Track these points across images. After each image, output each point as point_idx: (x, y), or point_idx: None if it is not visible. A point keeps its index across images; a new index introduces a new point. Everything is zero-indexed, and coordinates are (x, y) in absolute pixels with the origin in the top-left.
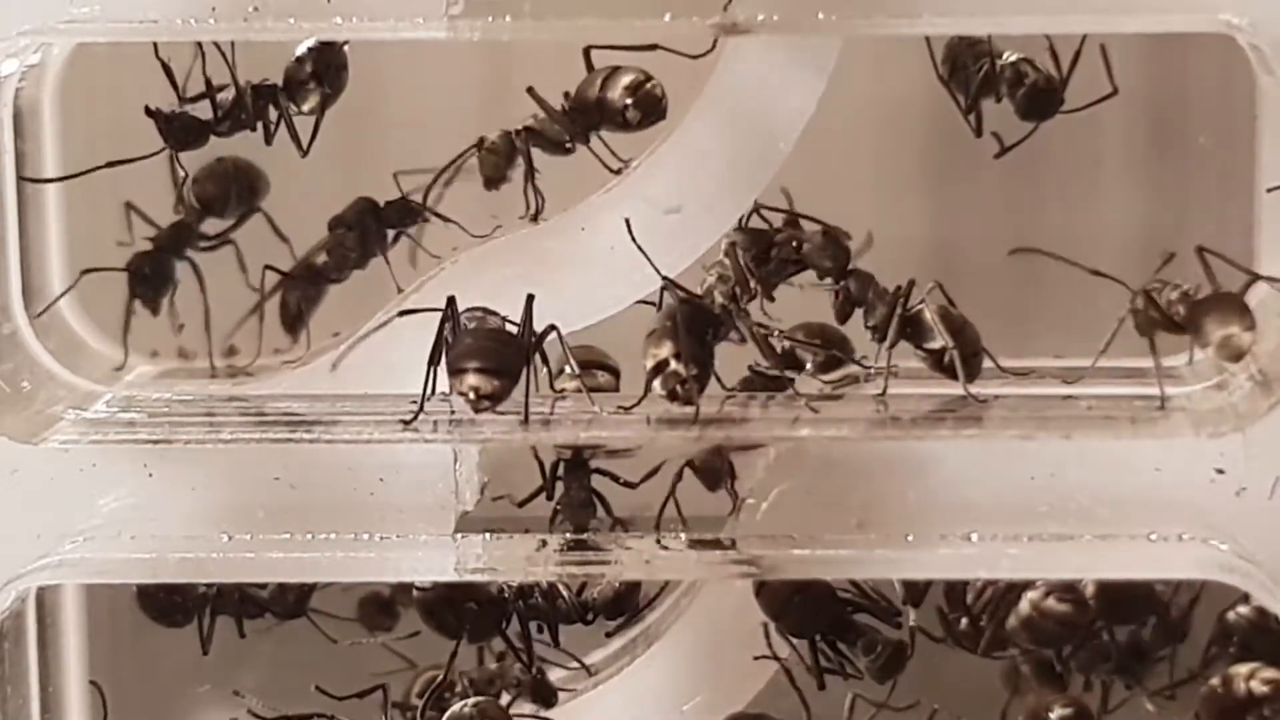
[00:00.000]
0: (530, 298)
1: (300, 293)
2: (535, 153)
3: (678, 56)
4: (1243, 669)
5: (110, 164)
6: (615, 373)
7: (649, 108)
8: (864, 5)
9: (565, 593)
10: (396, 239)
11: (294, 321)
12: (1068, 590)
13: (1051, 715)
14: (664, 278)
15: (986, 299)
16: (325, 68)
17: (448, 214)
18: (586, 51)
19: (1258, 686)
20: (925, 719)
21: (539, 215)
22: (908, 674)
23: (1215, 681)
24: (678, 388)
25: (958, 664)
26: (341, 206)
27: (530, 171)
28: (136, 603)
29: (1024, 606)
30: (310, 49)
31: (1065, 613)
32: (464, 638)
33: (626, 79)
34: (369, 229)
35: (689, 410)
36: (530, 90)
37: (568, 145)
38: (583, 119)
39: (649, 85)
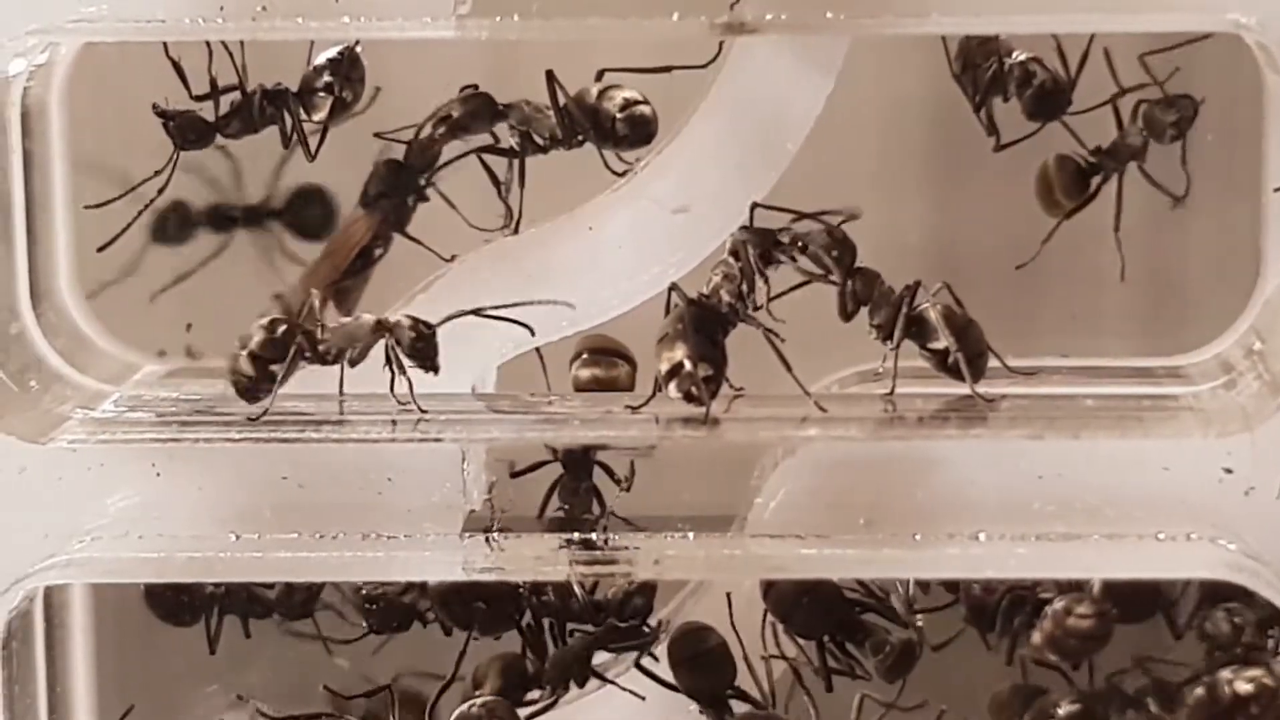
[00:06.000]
0: None
1: (354, 279)
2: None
3: (685, 55)
4: (1227, 673)
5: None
6: (632, 363)
7: (637, 127)
8: (872, 5)
9: (579, 591)
10: (423, 194)
11: (351, 305)
12: (1091, 604)
13: (1059, 712)
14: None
15: (993, 298)
16: (343, 80)
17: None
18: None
19: (1243, 686)
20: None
21: (518, 226)
22: (916, 674)
23: (1200, 691)
24: (693, 389)
25: (966, 664)
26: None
27: (521, 178)
28: (144, 602)
29: (1048, 625)
30: (330, 59)
31: (1090, 628)
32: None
33: (624, 95)
34: (403, 187)
35: (699, 410)
36: (549, 74)
37: (554, 140)
38: (576, 121)
39: (641, 106)
